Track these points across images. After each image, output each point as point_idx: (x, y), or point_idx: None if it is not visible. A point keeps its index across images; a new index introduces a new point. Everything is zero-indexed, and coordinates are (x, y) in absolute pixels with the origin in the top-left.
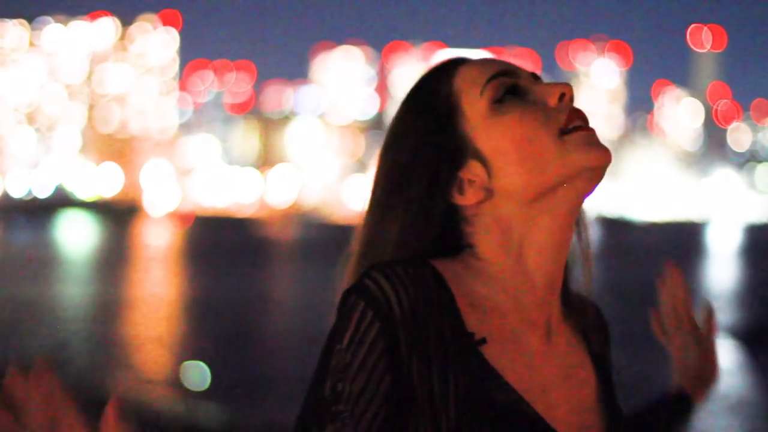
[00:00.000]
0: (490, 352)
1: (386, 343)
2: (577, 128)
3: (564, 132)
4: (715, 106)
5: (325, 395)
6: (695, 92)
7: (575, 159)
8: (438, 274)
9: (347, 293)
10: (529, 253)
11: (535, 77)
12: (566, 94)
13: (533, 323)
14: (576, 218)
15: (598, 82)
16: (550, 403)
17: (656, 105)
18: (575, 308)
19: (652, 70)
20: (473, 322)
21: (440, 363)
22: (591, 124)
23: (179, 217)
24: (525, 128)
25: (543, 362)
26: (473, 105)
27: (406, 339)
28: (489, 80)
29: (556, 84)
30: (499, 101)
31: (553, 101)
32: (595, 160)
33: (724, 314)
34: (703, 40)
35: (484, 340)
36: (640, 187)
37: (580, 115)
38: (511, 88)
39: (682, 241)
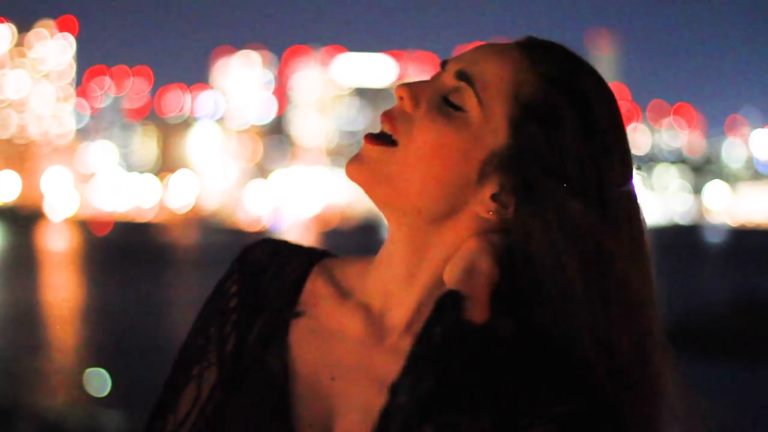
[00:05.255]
0: (300, 326)
1: (238, 287)
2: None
3: None
4: None
5: (194, 341)
6: None
7: None
8: (309, 258)
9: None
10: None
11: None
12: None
13: (365, 312)
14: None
15: None
16: (333, 392)
17: None
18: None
19: None
20: (309, 299)
21: (259, 320)
22: (389, 127)
23: (96, 223)
24: None
25: (348, 353)
26: None
27: (249, 287)
28: None
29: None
30: None
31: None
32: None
33: None
34: (601, 43)
35: (299, 314)
36: None
37: (384, 118)
38: None
39: None
